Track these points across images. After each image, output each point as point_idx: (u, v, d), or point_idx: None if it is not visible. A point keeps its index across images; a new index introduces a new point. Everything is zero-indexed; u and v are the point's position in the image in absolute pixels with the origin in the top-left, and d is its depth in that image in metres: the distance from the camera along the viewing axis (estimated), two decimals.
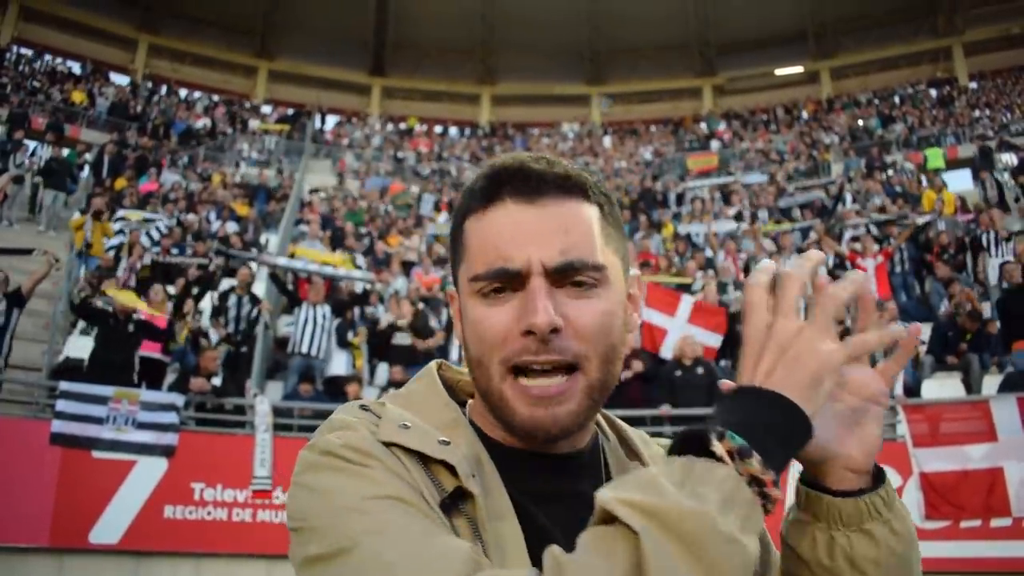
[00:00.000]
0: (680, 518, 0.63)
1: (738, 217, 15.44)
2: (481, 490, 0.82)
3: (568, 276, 0.86)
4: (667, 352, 9.26)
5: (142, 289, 9.96)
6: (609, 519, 0.66)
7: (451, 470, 0.82)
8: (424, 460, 0.83)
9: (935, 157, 17.62)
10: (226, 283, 11.45)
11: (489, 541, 0.80)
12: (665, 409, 8.47)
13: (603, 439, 0.99)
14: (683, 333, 9.21)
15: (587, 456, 0.95)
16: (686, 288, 11.35)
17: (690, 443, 0.70)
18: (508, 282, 0.86)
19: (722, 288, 10.96)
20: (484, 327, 0.87)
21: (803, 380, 0.74)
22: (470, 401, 0.98)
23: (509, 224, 0.87)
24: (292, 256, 12.66)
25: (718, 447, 0.68)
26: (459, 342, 0.96)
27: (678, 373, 8.64)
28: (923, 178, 16.34)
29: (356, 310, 11.10)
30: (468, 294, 0.90)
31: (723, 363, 9.56)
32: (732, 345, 9.53)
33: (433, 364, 1.01)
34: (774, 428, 0.72)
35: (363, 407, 0.90)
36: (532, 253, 0.85)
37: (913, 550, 0.87)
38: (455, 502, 0.81)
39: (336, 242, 14.15)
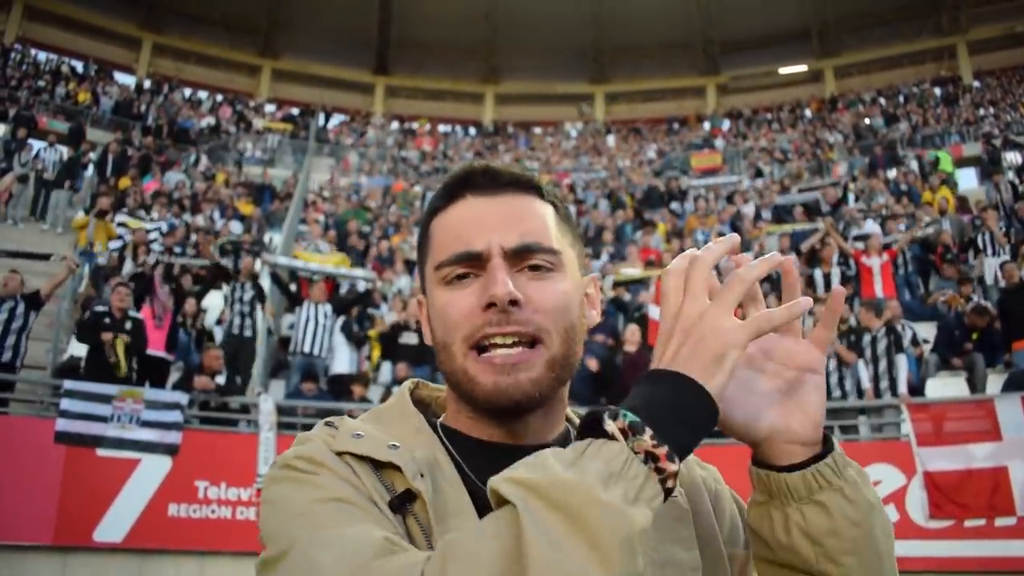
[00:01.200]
0: (557, 490, 0.65)
1: (736, 220, 15.41)
2: (430, 489, 0.84)
3: (525, 258, 0.91)
4: None
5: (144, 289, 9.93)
6: (500, 500, 0.69)
7: (401, 472, 0.84)
8: (375, 465, 0.85)
9: (946, 161, 17.51)
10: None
11: (442, 536, 0.80)
12: None
13: (574, 435, 0.99)
14: None
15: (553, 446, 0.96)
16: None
17: (588, 425, 0.73)
18: (470, 266, 0.92)
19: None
20: (448, 310, 0.92)
21: (705, 359, 0.75)
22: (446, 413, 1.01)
23: (470, 215, 0.94)
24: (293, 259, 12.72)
25: (611, 425, 0.70)
26: (427, 340, 0.99)
27: None
28: (929, 177, 16.27)
29: (362, 309, 11.10)
30: (433, 284, 0.95)
31: None
32: None
33: (408, 383, 1.04)
34: (671, 404, 0.73)
35: (327, 423, 0.93)
36: (492, 238, 0.91)
37: (874, 517, 0.87)
38: (404, 503, 0.83)
39: (339, 241, 14.16)
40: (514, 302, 0.88)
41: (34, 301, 8.60)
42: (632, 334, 9.35)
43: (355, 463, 0.85)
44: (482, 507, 0.82)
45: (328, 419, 0.95)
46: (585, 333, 0.98)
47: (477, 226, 0.92)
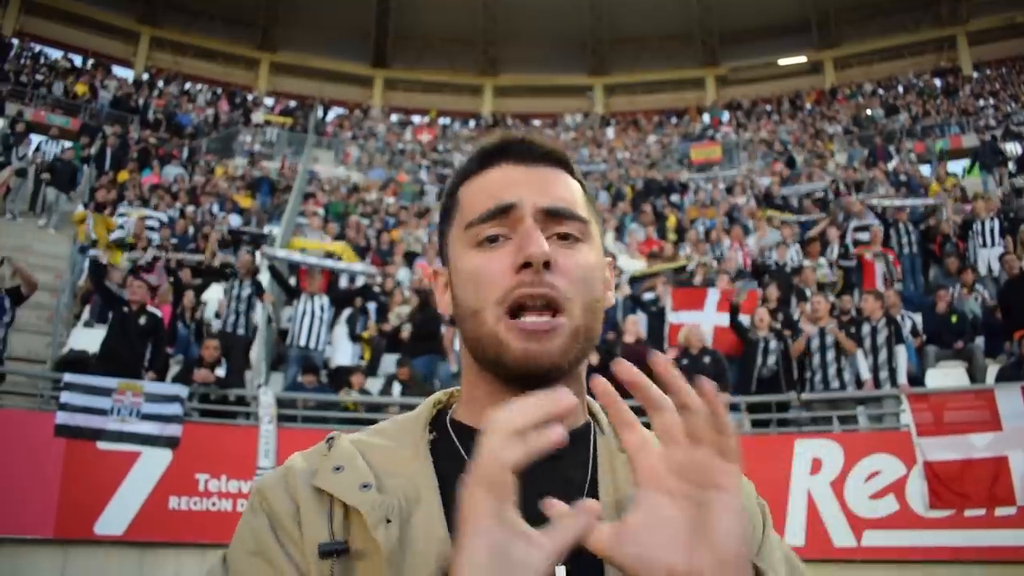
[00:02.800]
0: None
1: (732, 211, 15.40)
2: (393, 538, 0.82)
3: (557, 223, 0.91)
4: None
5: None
6: None
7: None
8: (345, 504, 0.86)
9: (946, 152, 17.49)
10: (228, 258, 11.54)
11: None
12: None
13: (597, 430, 0.98)
14: (714, 324, 9.39)
15: (571, 442, 0.91)
16: (680, 271, 11.38)
17: None
18: (502, 225, 0.90)
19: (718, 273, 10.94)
20: (480, 272, 0.90)
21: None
22: (455, 405, 1.00)
23: (504, 177, 0.94)
24: (298, 249, 12.72)
25: None
26: (444, 312, 0.98)
27: (684, 362, 8.60)
28: (931, 168, 16.28)
29: (364, 302, 11.07)
30: (461, 246, 0.94)
31: None
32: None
33: (438, 394, 1.02)
34: None
35: (329, 439, 0.94)
36: (525, 197, 0.91)
37: None
38: (335, 553, 0.82)
39: (340, 235, 14.14)
40: (547, 264, 0.87)
41: (17, 296, 8.56)
42: (632, 324, 9.33)
43: (319, 497, 0.86)
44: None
45: (332, 435, 0.95)
46: (604, 311, 0.97)
47: (510, 186, 0.92)
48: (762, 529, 0.94)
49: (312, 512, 0.86)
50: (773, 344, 8.77)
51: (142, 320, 8.62)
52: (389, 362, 10.16)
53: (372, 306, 11.24)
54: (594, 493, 0.90)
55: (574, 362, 0.90)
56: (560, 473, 0.90)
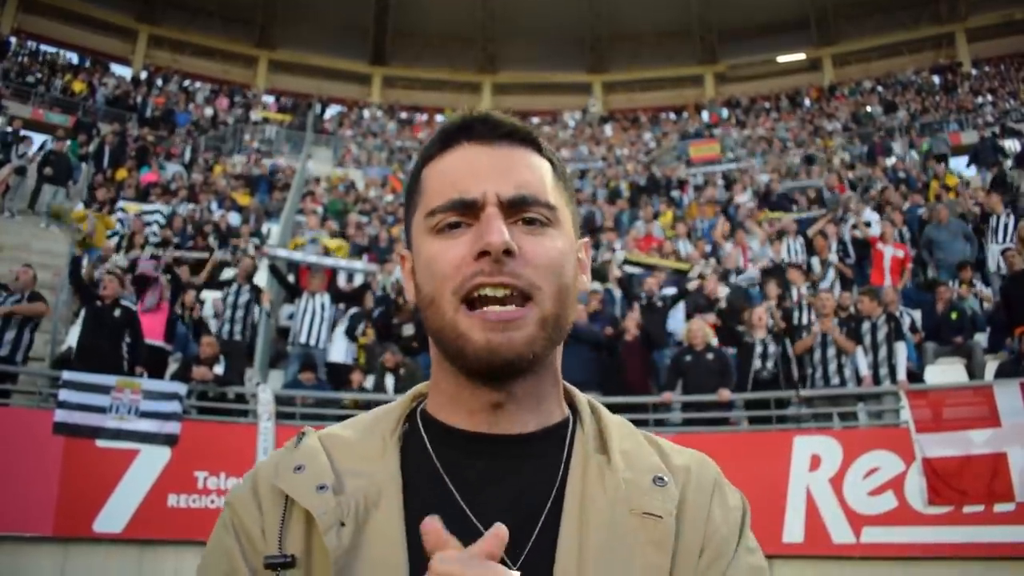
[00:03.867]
0: None
1: (727, 204, 15.39)
2: (345, 542, 0.81)
3: (521, 210, 0.87)
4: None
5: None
6: None
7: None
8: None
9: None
10: (228, 272, 11.45)
11: None
12: (668, 395, 8.51)
13: (579, 427, 0.93)
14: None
15: (538, 440, 0.90)
16: (683, 274, 11.37)
17: None
18: (463, 214, 0.87)
19: (724, 277, 10.94)
20: (438, 260, 0.86)
21: None
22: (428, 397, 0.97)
23: (466, 162, 0.89)
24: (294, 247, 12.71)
25: None
26: (410, 298, 0.95)
27: (688, 358, 8.61)
28: (928, 165, 16.26)
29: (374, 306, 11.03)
30: (422, 233, 0.90)
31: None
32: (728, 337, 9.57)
33: (420, 386, 1.00)
34: None
35: (300, 435, 0.93)
36: (488, 186, 0.86)
37: None
38: (283, 565, 0.82)
39: (339, 233, 14.14)
40: (508, 252, 0.83)
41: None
42: (632, 322, 9.33)
43: (279, 498, 0.86)
44: (417, 540, 0.74)
45: (304, 431, 0.93)
46: (578, 296, 0.93)
47: (473, 174, 0.88)
48: (735, 542, 0.88)
49: (272, 514, 0.86)
50: (772, 348, 8.75)
51: (116, 313, 8.53)
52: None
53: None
54: (562, 495, 0.86)
55: (541, 353, 0.86)
56: (527, 476, 0.87)
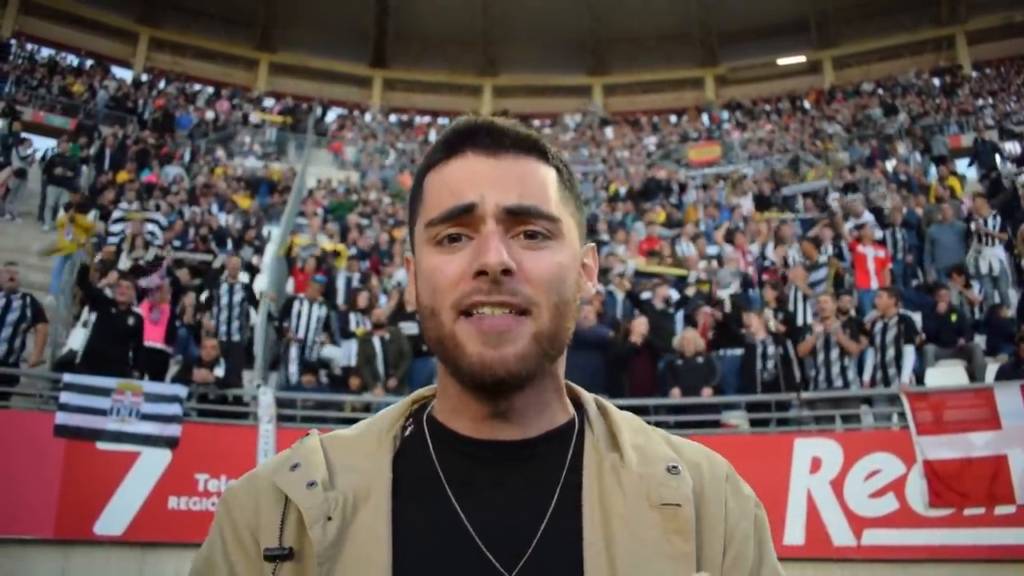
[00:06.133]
0: None
1: (727, 207, 15.40)
2: (330, 536, 0.83)
3: (522, 222, 0.86)
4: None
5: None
6: None
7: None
8: None
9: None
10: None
11: None
12: (676, 391, 8.70)
13: (587, 428, 0.94)
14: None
15: (541, 445, 0.91)
16: (681, 280, 11.37)
17: None
18: (463, 225, 0.86)
19: (723, 284, 10.92)
20: (437, 274, 0.87)
21: None
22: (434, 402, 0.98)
23: (468, 172, 0.88)
24: (291, 246, 12.74)
25: None
26: (413, 304, 0.95)
27: (679, 363, 9.01)
28: (931, 167, 16.25)
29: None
30: (423, 243, 0.90)
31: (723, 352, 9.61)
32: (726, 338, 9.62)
33: (423, 390, 1.01)
34: None
35: (307, 435, 0.95)
36: (488, 195, 0.86)
37: None
38: (280, 557, 0.84)
39: (341, 235, 14.15)
40: (507, 271, 0.83)
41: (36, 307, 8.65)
42: (638, 326, 9.34)
43: (278, 495, 0.87)
44: (403, 539, 0.83)
45: (308, 433, 0.95)
46: (579, 307, 0.93)
47: (474, 184, 0.87)
48: (754, 544, 0.90)
49: (270, 511, 0.87)
50: (771, 350, 8.81)
51: (130, 321, 8.61)
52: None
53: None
54: (569, 496, 0.87)
55: (534, 369, 0.86)
56: (527, 480, 0.88)
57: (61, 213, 13.04)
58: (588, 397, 0.98)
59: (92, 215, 13.01)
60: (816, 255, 11.32)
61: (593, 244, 0.99)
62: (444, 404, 0.94)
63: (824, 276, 10.76)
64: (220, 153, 20.76)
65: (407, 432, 0.95)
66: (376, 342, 9.34)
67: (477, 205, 0.85)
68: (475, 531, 0.84)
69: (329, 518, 0.83)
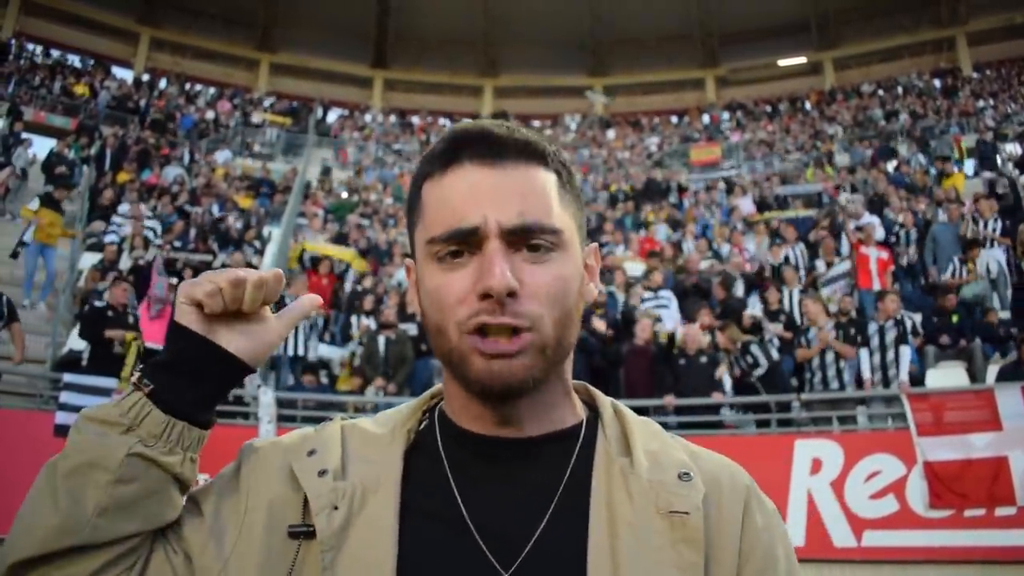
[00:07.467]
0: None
1: (726, 208, 15.40)
2: (336, 524, 0.85)
3: (524, 238, 0.86)
4: None
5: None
6: None
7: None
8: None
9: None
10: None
11: (346, 567, 0.83)
12: (669, 399, 8.53)
13: (600, 431, 0.94)
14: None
15: (547, 444, 0.91)
16: (680, 271, 11.39)
17: None
18: (465, 244, 0.86)
19: (728, 285, 10.91)
20: (442, 293, 0.87)
21: None
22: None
23: (467, 186, 0.87)
24: (302, 249, 12.77)
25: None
26: (416, 310, 0.96)
27: (682, 362, 8.84)
28: (933, 167, 16.22)
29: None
30: (425, 258, 0.90)
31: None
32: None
33: (440, 385, 1.01)
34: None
35: (327, 422, 0.98)
36: (489, 214, 0.85)
37: None
38: (302, 535, 0.86)
39: (340, 235, 14.15)
40: (511, 293, 0.83)
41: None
42: (643, 330, 9.31)
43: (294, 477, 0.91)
44: (409, 531, 0.85)
45: (330, 419, 0.99)
46: (582, 311, 0.93)
47: (474, 199, 0.86)
48: (781, 560, 0.89)
49: (286, 490, 0.90)
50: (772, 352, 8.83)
51: (130, 320, 8.63)
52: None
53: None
54: (570, 498, 0.87)
55: (541, 376, 0.87)
56: (530, 478, 0.89)
57: (34, 203, 12.21)
58: (605, 400, 0.98)
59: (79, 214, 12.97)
60: (833, 255, 11.33)
61: (595, 244, 0.99)
62: (451, 404, 0.95)
63: (846, 271, 10.78)
64: (220, 153, 20.76)
65: (422, 426, 0.97)
66: (381, 340, 9.36)
67: (480, 228, 0.85)
68: (475, 527, 0.85)
69: (335, 507, 0.85)
